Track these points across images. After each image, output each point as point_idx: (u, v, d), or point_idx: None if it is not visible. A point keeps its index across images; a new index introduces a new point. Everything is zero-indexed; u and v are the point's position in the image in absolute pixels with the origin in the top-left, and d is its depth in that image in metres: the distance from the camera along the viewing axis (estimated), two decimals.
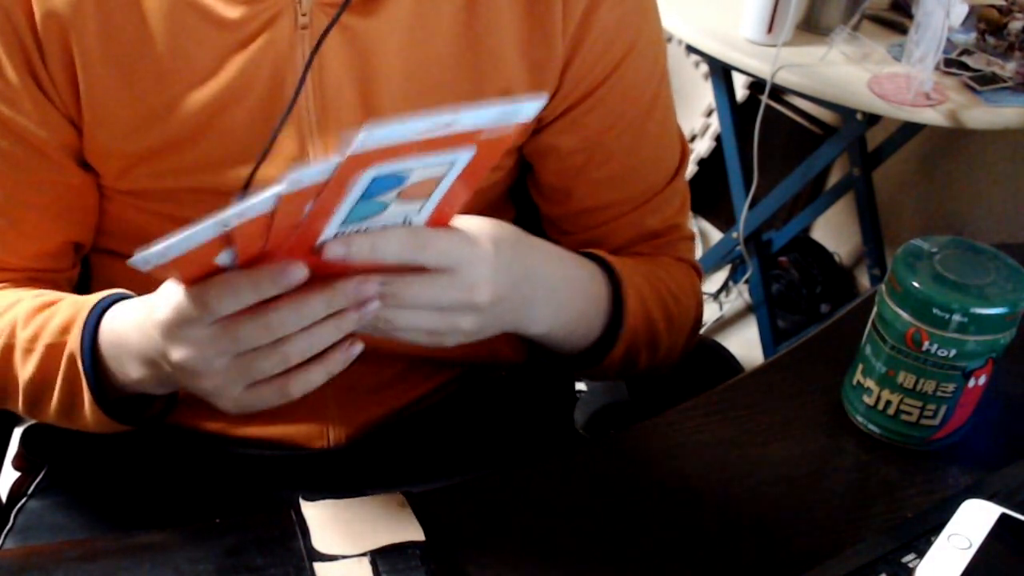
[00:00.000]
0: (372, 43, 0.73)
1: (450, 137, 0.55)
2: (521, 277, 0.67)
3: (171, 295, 0.60)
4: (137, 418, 0.74)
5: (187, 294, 0.59)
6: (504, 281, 0.65)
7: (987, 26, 1.58)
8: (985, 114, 1.48)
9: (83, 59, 0.71)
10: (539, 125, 0.81)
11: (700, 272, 0.91)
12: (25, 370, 0.73)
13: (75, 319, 0.70)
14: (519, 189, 0.89)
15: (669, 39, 2.00)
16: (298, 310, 0.58)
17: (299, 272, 0.57)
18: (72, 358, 0.70)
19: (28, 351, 0.72)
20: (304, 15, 0.71)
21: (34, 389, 0.73)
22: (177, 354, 0.61)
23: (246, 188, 0.73)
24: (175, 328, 0.60)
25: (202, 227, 0.53)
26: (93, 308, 0.70)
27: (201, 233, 0.54)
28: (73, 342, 0.70)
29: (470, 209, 0.82)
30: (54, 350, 0.71)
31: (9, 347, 0.73)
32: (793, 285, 2.24)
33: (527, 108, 0.55)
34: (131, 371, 0.68)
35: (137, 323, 0.67)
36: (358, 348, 0.62)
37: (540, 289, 0.71)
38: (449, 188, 0.59)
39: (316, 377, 0.61)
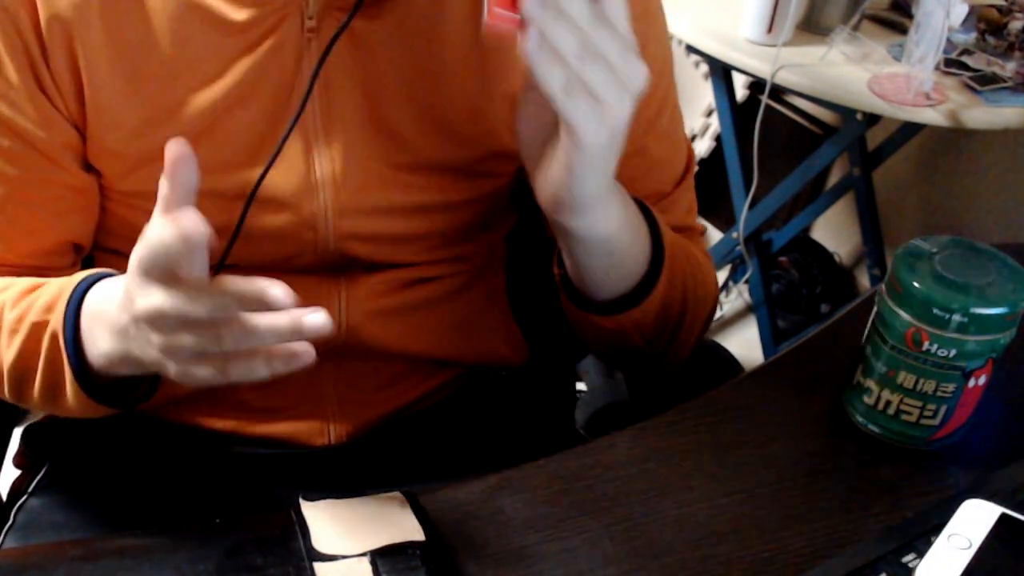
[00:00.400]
0: (378, 46, 0.73)
1: None
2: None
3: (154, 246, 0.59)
4: (119, 401, 0.73)
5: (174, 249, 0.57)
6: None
7: (987, 26, 1.58)
8: (985, 114, 1.48)
9: (88, 61, 0.70)
10: None
11: (711, 263, 0.90)
12: (10, 351, 0.72)
13: (60, 297, 0.70)
14: (522, 193, 0.89)
15: (669, 39, 2.00)
16: (246, 338, 0.58)
17: (279, 293, 0.56)
18: (55, 336, 0.69)
19: (14, 332, 0.72)
20: (311, 18, 0.71)
21: (19, 370, 0.72)
22: (138, 303, 0.60)
23: (253, 193, 0.73)
24: (140, 272, 0.59)
25: None
26: (77, 286, 0.70)
27: None
28: (56, 320, 0.69)
29: (472, 212, 0.83)
30: (38, 329, 0.70)
31: None
32: (793, 285, 2.24)
33: None
34: (101, 343, 0.67)
35: (113, 292, 0.66)
36: (303, 361, 0.60)
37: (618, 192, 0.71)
38: None
39: (258, 371, 0.60)
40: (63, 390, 0.71)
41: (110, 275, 0.71)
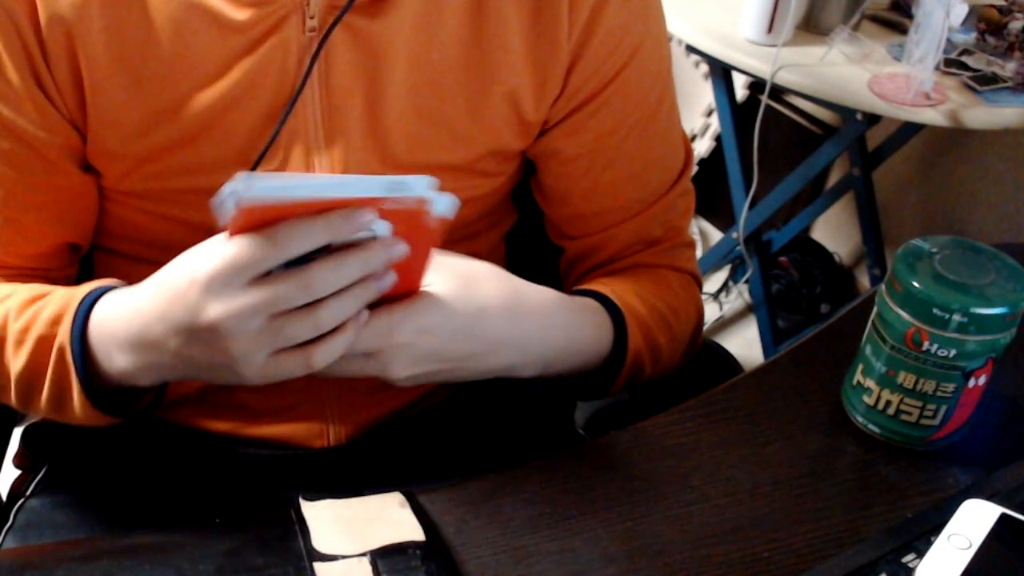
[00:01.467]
0: (379, 44, 0.73)
1: (343, 201, 0.59)
2: (481, 344, 0.71)
3: (219, 248, 0.61)
4: (126, 411, 0.74)
5: (250, 238, 0.60)
6: (432, 360, 0.69)
7: (987, 26, 1.58)
8: (985, 114, 1.48)
9: (88, 62, 0.70)
10: (543, 128, 0.81)
11: (699, 281, 0.91)
12: (17, 362, 0.72)
13: (66, 310, 0.70)
14: (523, 192, 0.89)
15: (669, 39, 2.00)
16: (337, 269, 0.61)
17: (369, 216, 0.60)
18: (62, 350, 0.70)
19: (19, 343, 0.72)
20: (312, 18, 0.71)
21: (26, 381, 0.73)
22: (215, 310, 0.61)
23: None
24: (222, 280, 0.60)
25: (317, 183, 0.58)
26: (83, 300, 0.70)
27: (314, 188, 0.58)
28: (63, 334, 0.69)
29: (472, 211, 0.83)
30: (44, 343, 0.71)
31: (1, 339, 0.73)
32: (793, 285, 2.24)
33: (416, 185, 0.60)
34: (117, 360, 0.68)
35: (134, 307, 0.67)
36: (365, 316, 0.64)
37: (515, 349, 0.73)
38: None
39: (339, 346, 0.63)
40: (70, 402, 0.71)
41: (115, 287, 0.71)
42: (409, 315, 0.66)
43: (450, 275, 0.69)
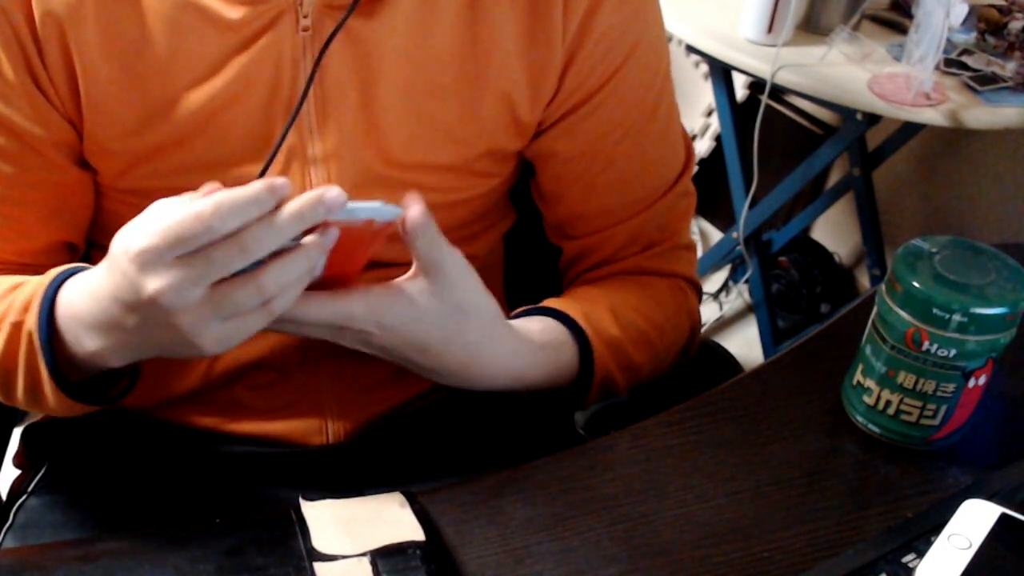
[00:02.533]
0: (374, 45, 0.73)
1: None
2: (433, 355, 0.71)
3: (150, 222, 0.59)
4: (99, 398, 0.73)
5: (181, 213, 0.58)
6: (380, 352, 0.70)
7: (987, 26, 1.58)
8: (985, 114, 1.48)
9: (82, 59, 0.70)
10: (538, 129, 0.81)
11: (696, 286, 0.90)
12: None
13: (35, 295, 0.69)
14: (522, 192, 0.89)
15: (669, 39, 2.00)
16: (269, 225, 0.59)
17: (285, 185, 0.59)
18: (30, 336, 0.69)
19: None
20: (306, 17, 0.71)
21: (3, 369, 0.72)
22: (152, 285, 0.59)
23: None
24: (153, 254, 0.59)
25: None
26: (50, 284, 0.69)
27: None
28: (31, 319, 0.69)
29: (468, 212, 0.83)
30: (17, 328, 0.70)
31: None
32: (793, 285, 2.24)
33: (388, 212, 0.62)
34: (86, 343, 0.67)
35: (91, 289, 0.66)
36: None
37: (476, 371, 0.74)
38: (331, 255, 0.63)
39: (294, 292, 0.62)
40: (42, 389, 0.71)
41: (83, 269, 0.70)
42: (378, 308, 0.67)
43: (440, 295, 0.69)
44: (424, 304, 0.68)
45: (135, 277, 0.60)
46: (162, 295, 0.59)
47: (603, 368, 0.79)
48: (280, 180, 0.59)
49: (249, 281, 0.59)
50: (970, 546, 0.59)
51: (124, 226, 0.62)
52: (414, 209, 0.64)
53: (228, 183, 0.73)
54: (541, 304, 0.82)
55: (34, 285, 0.71)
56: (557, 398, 0.82)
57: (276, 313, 0.62)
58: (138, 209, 0.77)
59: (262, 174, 0.72)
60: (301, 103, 0.71)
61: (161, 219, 0.59)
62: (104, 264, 0.64)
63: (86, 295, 0.66)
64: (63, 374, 0.70)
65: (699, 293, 0.91)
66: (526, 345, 0.76)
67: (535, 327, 0.78)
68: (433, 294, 0.68)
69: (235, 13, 0.70)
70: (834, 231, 2.32)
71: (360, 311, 0.66)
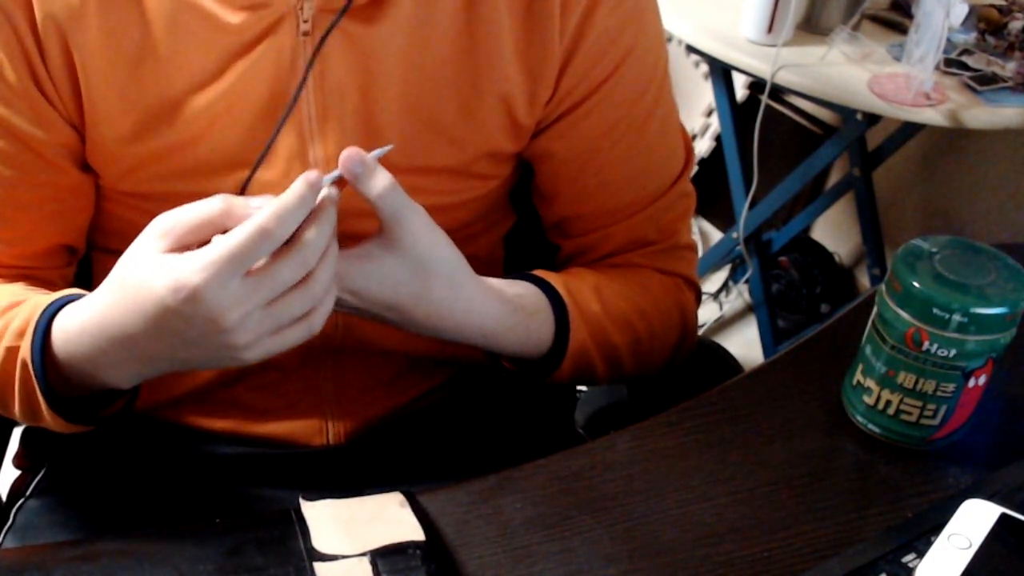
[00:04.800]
0: (374, 49, 0.73)
1: None
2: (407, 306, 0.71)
3: (208, 251, 0.60)
4: (98, 418, 0.73)
5: (239, 232, 0.60)
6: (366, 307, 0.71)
7: (987, 26, 1.58)
8: (985, 114, 1.48)
9: (84, 62, 0.71)
10: (536, 130, 0.81)
11: (695, 286, 0.90)
12: None
13: (29, 321, 0.70)
14: (522, 193, 0.89)
15: (669, 39, 2.00)
16: (318, 226, 0.62)
17: (319, 177, 0.62)
18: (25, 363, 0.69)
19: None
20: (306, 21, 0.71)
21: (1, 390, 0.73)
22: (226, 317, 0.60)
23: (243, 191, 0.73)
24: (219, 281, 0.59)
25: None
26: (43, 312, 0.69)
27: None
28: (24, 348, 0.69)
29: (467, 214, 0.83)
30: (11, 353, 0.70)
31: None
32: (793, 285, 2.24)
33: None
34: (105, 374, 0.68)
35: (95, 322, 0.66)
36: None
37: (448, 323, 0.74)
38: None
39: (331, 302, 0.65)
40: (40, 413, 0.71)
41: (78, 296, 0.70)
42: (346, 273, 0.68)
43: (405, 253, 0.69)
44: (389, 264, 0.69)
45: (193, 309, 0.60)
46: (226, 317, 0.60)
47: (578, 340, 0.79)
48: (313, 173, 0.62)
49: (304, 289, 0.62)
50: (970, 546, 0.59)
51: (156, 262, 0.61)
52: (369, 159, 0.66)
53: (229, 187, 0.73)
54: (525, 272, 0.82)
55: (29, 309, 0.71)
56: (533, 370, 0.81)
57: (321, 321, 0.64)
58: (139, 211, 0.77)
59: (251, 175, 0.73)
60: (294, 102, 0.71)
61: (222, 244, 0.60)
62: (115, 290, 0.65)
63: (90, 325, 0.67)
64: (60, 399, 0.70)
65: (698, 294, 0.91)
66: (498, 305, 0.76)
67: (512, 290, 0.78)
68: (397, 252, 0.69)
69: (236, 18, 0.70)
70: (834, 231, 2.32)
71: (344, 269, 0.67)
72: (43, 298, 0.71)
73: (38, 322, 0.69)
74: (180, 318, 0.61)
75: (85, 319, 0.67)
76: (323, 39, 0.70)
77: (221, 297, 0.60)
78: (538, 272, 0.81)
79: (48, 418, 0.71)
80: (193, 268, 0.60)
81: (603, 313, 0.81)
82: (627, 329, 0.83)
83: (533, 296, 0.79)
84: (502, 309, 0.76)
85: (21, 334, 0.70)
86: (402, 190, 0.67)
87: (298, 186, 0.61)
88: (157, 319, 0.62)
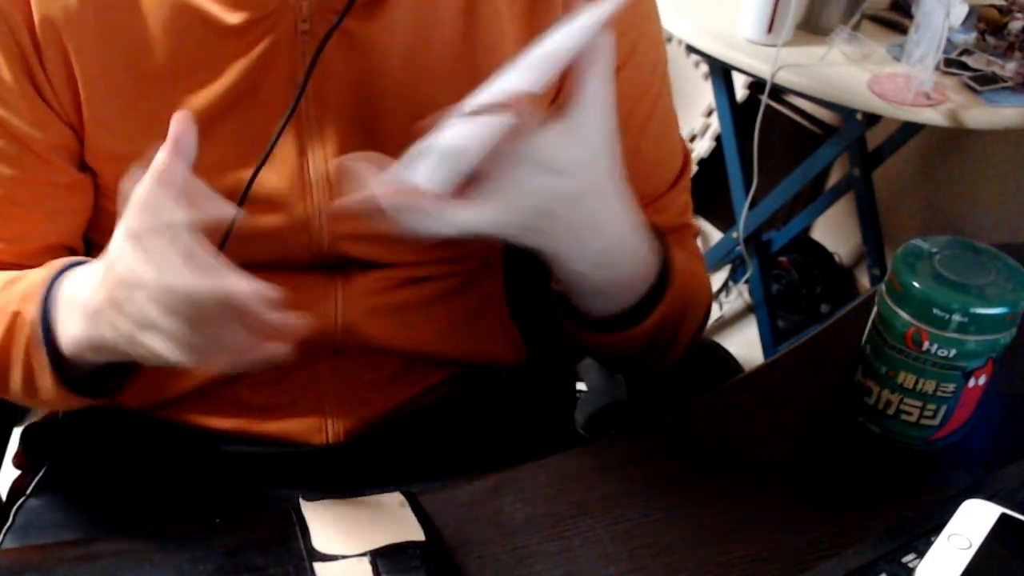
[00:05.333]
0: (373, 48, 0.73)
1: None
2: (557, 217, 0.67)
3: (229, 279, 0.59)
4: (95, 391, 0.73)
5: (244, 289, 0.59)
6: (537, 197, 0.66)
7: (987, 26, 1.58)
8: (985, 114, 1.48)
9: (82, 64, 0.71)
10: None
11: (704, 265, 0.91)
12: None
13: (37, 285, 0.70)
14: None
15: (669, 39, 2.00)
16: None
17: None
18: (30, 324, 0.69)
19: None
20: (305, 21, 0.71)
21: (1, 360, 0.73)
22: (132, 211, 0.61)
23: (245, 193, 0.73)
24: (181, 297, 0.59)
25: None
26: (53, 273, 0.70)
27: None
28: (31, 308, 0.69)
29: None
30: (15, 318, 0.71)
31: None
32: (793, 285, 2.24)
33: None
34: (72, 326, 0.67)
35: (89, 273, 0.66)
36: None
37: (588, 238, 0.70)
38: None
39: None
40: (39, 380, 0.71)
41: (85, 262, 0.71)
42: (535, 145, 0.64)
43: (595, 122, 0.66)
44: (590, 133, 0.66)
45: (140, 300, 0.60)
46: (134, 201, 0.61)
47: (676, 284, 0.78)
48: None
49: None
50: (970, 546, 0.59)
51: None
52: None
53: (229, 187, 0.73)
54: None
55: (36, 276, 0.71)
56: (621, 319, 0.79)
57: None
58: None
59: (254, 176, 0.73)
60: (296, 104, 0.71)
61: (229, 281, 0.58)
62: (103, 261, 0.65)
63: (83, 279, 0.67)
64: (60, 364, 0.70)
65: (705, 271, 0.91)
66: (636, 212, 0.74)
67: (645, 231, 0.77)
68: (591, 122, 0.65)
69: (235, 18, 0.70)
70: (834, 231, 2.32)
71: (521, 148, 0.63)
72: (48, 266, 0.72)
73: (46, 282, 0.69)
74: (100, 271, 0.62)
75: (84, 273, 0.68)
76: (325, 39, 0.70)
77: (169, 302, 0.59)
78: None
79: (46, 385, 0.70)
80: (175, 271, 0.60)
81: (686, 268, 0.80)
82: (689, 293, 0.82)
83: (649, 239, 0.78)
84: (638, 216, 0.75)
85: (27, 298, 0.70)
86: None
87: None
88: (102, 266, 0.63)
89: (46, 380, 0.70)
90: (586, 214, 0.68)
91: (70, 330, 0.68)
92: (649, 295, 0.78)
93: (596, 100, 0.65)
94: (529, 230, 0.67)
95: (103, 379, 0.74)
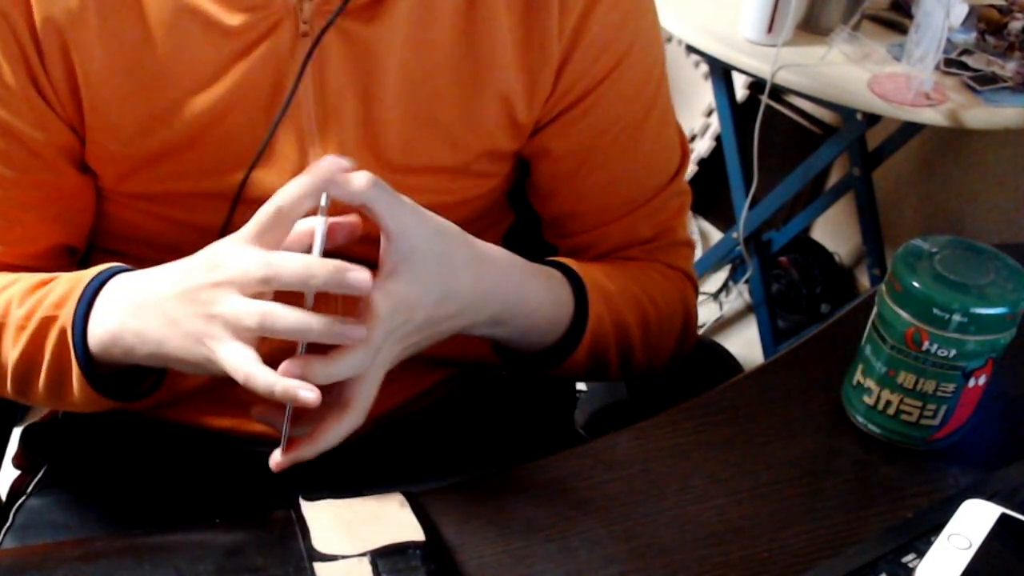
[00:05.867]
0: (373, 49, 0.73)
1: None
2: (438, 299, 0.69)
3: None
4: (125, 394, 0.73)
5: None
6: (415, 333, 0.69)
7: (987, 26, 1.58)
8: (985, 114, 1.48)
9: (84, 66, 0.71)
10: (534, 128, 0.81)
11: (693, 281, 0.90)
12: (16, 349, 0.72)
13: (72, 292, 0.70)
14: (520, 193, 0.89)
15: (669, 39, 2.01)
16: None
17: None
18: (63, 331, 0.69)
19: (21, 328, 0.72)
20: (305, 23, 0.71)
21: (25, 365, 0.72)
22: (224, 268, 0.63)
23: (240, 192, 0.73)
24: (230, 243, 0.64)
25: None
26: (90, 282, 0.70)
27: None
28: (65, 314, 0.69)
29: (466, 212, 0.83)
30: (46, 323, 0.70)
31: (1, 326, 0.73)
32: (793, 285, 2.24)
33: None
34: (110, 320, 0.68)
35: (161, 272, 0.68)
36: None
37: (473, 315, 0.72)
38: None
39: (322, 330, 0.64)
40: (69, 385, 0.71)
41: (126, 269, 0.71)
42: (387, 295, 0.65)
43: (420, 253, 0.67)
44: (422, 256, 0.67)
45: (204, 259, 0.65)
46: (225, 272, 0.63)
47: (596, 312, 0.79)
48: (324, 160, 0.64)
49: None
50: (970, 546, 0.59)
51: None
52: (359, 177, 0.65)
53: (229, 188, 0.73)
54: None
55: (68, 282, 0.71)
56: (550, 356, 0.80)
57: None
58: (138, 212, 0.78)
59: (246, 176, 0.73)
60: (288, 102, 0.71)
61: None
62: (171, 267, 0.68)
63: (145, 279, 0.69)
64: (93, 370, 0.70)
65: (695, 289, 0.91)
66: (521, 266, 0.76)
67: (528, 262, 0.78)
68: (408, 252, 0.67)
69: (235, 19, 0.70)
70: (834, 231, 2.32)
71: (386, 309, 0.65)
72: (81, 273, 0.72)
73: (84, 291, 0.69)
74: (191, 269, 0.65)
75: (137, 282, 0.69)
76: (319, 38, 0.71)
77: (228, 252, 0.63)
78: (546, 259, 0.81)
79: (76, 391, 0.71)
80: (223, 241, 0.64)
81: (616, 291, 0.81)
82: (637, 309, 0.83)
83: (548, 269, 0.79)
84: (527, 269, 0.76)
85: (59, 304, 0.70)
86: (385, 184, 0.66)
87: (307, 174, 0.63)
88: (178, 274, 0.66)
89: (77, 385, 0.71)
90: (453, 310, 0.70)
91: (104, 324, 0.68)
92: (569, 334, 0.79)
93: (396, 223, 0.66)
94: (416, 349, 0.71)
95: (133, 382, 0.74)
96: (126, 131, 0.73)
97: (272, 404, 0.67)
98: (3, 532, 0.85)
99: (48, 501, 0.86)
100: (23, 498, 0.87)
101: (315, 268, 0.62)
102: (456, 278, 0.69)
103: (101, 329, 0.68)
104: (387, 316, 0.65)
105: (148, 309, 0.66)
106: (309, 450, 0.65)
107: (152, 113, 0.72)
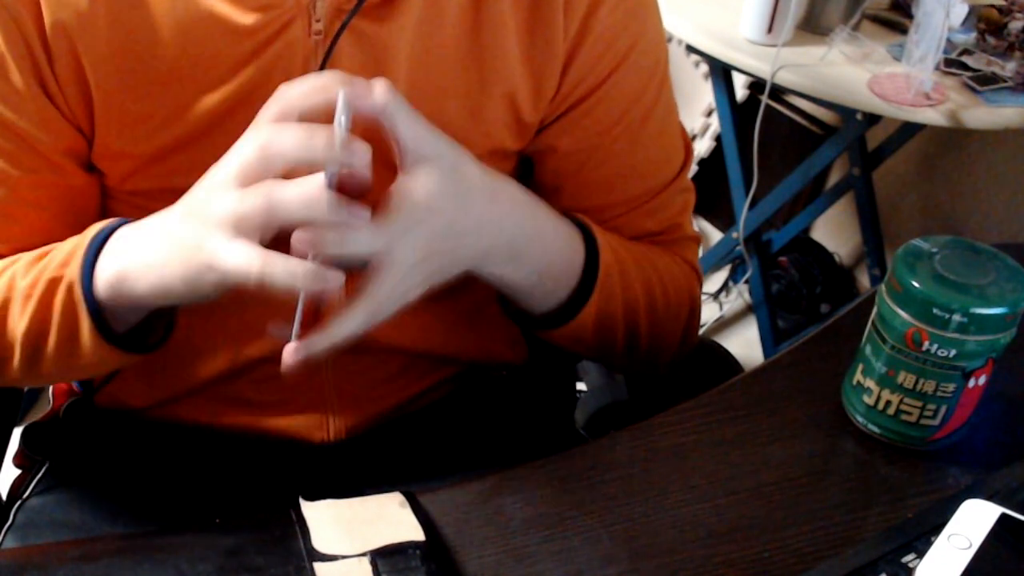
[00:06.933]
0: (384, 48, 0.73)
1: None
2: (460, 231, 0.67)
3: None
4: (137, 345, 0.73)
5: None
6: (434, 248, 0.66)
7: (987, 26, 1.58)
8: (985, 114, 1.48)
9: (93, 66, 0.70)
10: (539, 127, 0.81)
11: (699, 275, 0.90)
12: (25, 317, 0.72)
13: (76, 250, 0.70)
14: None
15: (669, 39, 2.00)
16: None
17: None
18: (71, 286, 0.69)
19: (27, 297, 0.71)
20: (318, 21, 0.71)
21: (33, 333, 0.72)
22: (221, 168, 0.63)
23: None
24: (224, 162, 0.63)
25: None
26: (95, 237, 0.70)
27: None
28: (72, 270, 0.69)
29: None
30: (53, 284, 0.70)
31: (7, 301, 0.72)
32: (793, 285, 2.24)
33: None
34: (117, 261, 0.68)
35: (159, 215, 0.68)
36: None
37: (494, 229, 0.70)
38: None
39: (343, 244, 0.62)
40: (79, 342, 0.70)
41: (127, 221, 0.71)
42: (404, 190, 0.64)
43: (435, 161, 0.66)
44: (438, 164, 0.65)
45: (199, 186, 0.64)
46: (224, 171, 0.62)
47: (606, 262, 0.78)
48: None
49: (300, 183, 0.60)
50: (970, 546, 0.59)
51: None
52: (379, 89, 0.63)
53: None
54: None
55: (71, 244, 0.71)
56: (562, 312, 0.79)
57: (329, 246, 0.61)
58: (141, 209, 0.78)
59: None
60: None
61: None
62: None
63: (151, 223, 0.68)
64: (104, 320, 0.70)
65: (700, 285, 0.91)
66: (534, 201, 0.75)
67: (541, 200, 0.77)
68: (436, 154, 0.66)
69: (247, 19, 0.70)
70: (834, 231, 2.32)
71: (402, 199, 0.63)
72: (81, 234, 0.72)
73: (89, 245, 0.69)
74: (193, 190, 0.65)
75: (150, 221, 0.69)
76: (336, 37, 0.70)
77: (221, 164, 0.62)
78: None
79: (88, 346, 0.70)
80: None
81: (626, 255, 0.81)
82: (644, 281, 0.82)
83: (560, 214, 0.78)
84: (540, 202, 0.75)
85: (64, 264, 0.70)
86: (401, 96, 0.64)
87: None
88: (180, 203, 0.66)
89: (88, 339, 0.70)
90: (471, 224, 0.68)
91: (111, 267, 0.68)
92: (579, 287, 0.78)
93: (412, 134, 0.64)
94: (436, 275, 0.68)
95: (144, 333, 0.73)
96: (135, 131, 0.73)
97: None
98: (4, 531, 0.85)
99: (49, 500, 0.86)
100: (24, 497, 0.87)
101: (316, 136, 0.59)
102: (471, 193, 0.68)
103: (107, 273, 0.68)
104: (404, 207, 0.63)
105: (152, 237, 0.66)
106: (321, 341, 0.63)
107: (162, 112, 0.72)
